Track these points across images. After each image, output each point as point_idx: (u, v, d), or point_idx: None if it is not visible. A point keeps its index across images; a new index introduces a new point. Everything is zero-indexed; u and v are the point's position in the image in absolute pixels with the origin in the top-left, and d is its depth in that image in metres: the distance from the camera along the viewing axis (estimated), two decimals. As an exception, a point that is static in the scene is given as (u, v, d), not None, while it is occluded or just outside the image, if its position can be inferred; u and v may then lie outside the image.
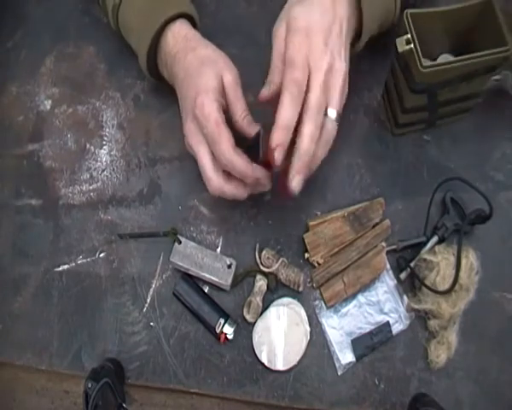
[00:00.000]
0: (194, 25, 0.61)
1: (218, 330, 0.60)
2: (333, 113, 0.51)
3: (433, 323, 0.59)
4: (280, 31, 0.52)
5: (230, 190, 0.53)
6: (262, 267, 0.62)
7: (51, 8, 0.75)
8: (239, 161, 0.50)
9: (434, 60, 0.61)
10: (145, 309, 0.64)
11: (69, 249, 0.66)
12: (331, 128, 0.52)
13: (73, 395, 0.68)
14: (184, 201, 0.66)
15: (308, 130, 0.49)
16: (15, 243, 0.67)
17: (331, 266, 0.61)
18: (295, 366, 0.60)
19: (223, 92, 0.54)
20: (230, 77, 0.54)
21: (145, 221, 0.66)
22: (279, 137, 0.48)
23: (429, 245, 0.61)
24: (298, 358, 0.60)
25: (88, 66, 0.72)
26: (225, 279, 0.61)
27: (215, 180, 0.53)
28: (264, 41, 0.69)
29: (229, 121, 0.54)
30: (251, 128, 0.54)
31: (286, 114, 0.48)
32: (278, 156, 0.49)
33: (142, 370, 0.62)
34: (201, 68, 0.54)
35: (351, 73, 0.53)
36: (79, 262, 0.66)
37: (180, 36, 0.58)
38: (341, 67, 0.51)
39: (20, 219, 0.68)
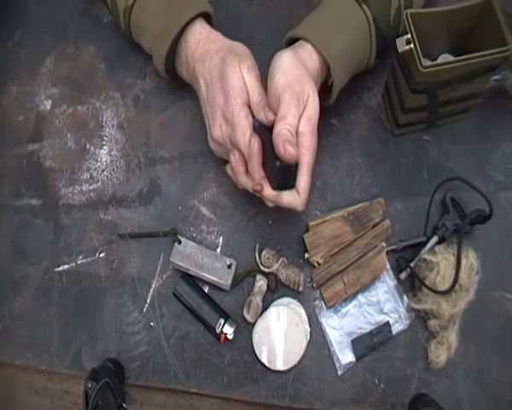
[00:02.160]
0: (211, 22, 0.61)
1: (218, 330, 0.60)
2: None
3: (433, 323, 0.59)
4: (278, 80, 0.53)
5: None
6: (262, 267, 0.62)
7: (51, 8, 0.74)
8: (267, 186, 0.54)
9: (434, 60, 0.61)
10: (145, 309, 0.64)
11: (69, 249, 0.66)
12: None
13: (73, 395, 0.68)
14: (184, 201, 0.66)
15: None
16: (15, 243, 0.67)
17: (331, 266, 0.61)
18: (295, 366, 0.60)
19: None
20: (249, 74, 0.55)
21: (145, 221, 0.66)
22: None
23: (429, 245, 0.61)
24: (298, 358, 0.60)
25: (88, 66, 0.72)
26: (225, 279, 0.61)
27: (245, 180, 0.56)
28: (264, 41, 0.69)
29: None
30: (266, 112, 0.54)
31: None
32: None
33: (142, 370, 0.62)
34: (226, 71, 0.54)
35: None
36: (79, 262, 0.66)
37: (202, 38, 0.58)
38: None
39: (20, 219, 0.68)
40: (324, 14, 0.58)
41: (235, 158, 0.54)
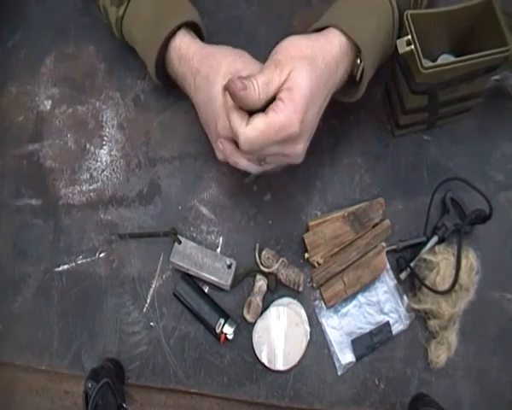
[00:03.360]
0: (199, 29, 0.61)
1: (218, 330, 0.60)
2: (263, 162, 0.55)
3: (433, 323, 0.59)
4: (281, 72, 0.50)
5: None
6: (262, 267, 0.62)
7: (51, 8, 0.74)
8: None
9: (434, 60, 0.61)
10: (145, 309, 0.64)
11: (69, 249, 0.66)
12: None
13: (73, 395, 0.68)
14: (184, 201, 0.66)
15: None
16: (15, 243, 0.67)
17: (331, 266, 0.61)
18: (295, 366, 0.60)
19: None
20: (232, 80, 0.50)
21: (145, 221, 0.66)
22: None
23: (429, 245, 0.61)
24: (298, 358, 0.60)
25: (88, 66, 0.72)
26: (225, 279, 0.61)
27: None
28: (264, 41, 0.68)
29: None
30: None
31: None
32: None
33: (142, 370, 0.62)
34: (211, 90, 0.53)
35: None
36: (79, 262, 0.66)
37: (182, 54, 0.57)
38: (300, 158, 0.54)
39: (20, 219, 0.68)
40: (349, 1, 0.56)
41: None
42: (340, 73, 0.54)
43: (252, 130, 0.48)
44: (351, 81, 0.58)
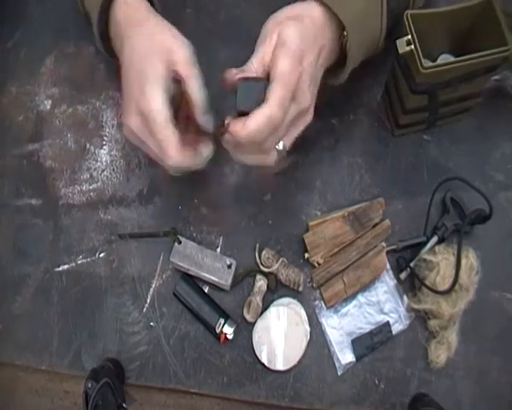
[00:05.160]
0: None
1: (218, 330, 0.60)
2: (281, 145, 0.51)
3: (433, 323, 0.59)
4: (271, 39, 0.50)
5: (189, 158, 0.51)
6: (262, 267, 0.62)
7: (51, 8, 0.74)
8: (186, 159, 0.50)
9: (434, 60, 0.61)
10: (145, 309, 0.64)
11: (69, 249, 0.66)
12: (273, 155, 0.52)
13: (73, 395, 0.68)
14: (184, 201, 0.66)
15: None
16: (15, 243, 0.67)
17: (331, 266, 0.61)
18: (295, 366, 0.60)
19: (172, 75, 0.50)
20: (181, 56, 0.49)
21: (145, 221, 0.66)
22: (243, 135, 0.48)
23: (429, 245, 0.61)
24: (298, 358, 0.60)
25: (88, 66, 0.72)
26: (225, 279, 0.61)
27: (167, 166, 0.51)
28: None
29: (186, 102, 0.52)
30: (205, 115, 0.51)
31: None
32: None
33: (142, 370, 0.62)
34: (146, 53, 0.49)
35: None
36: (79, 262, 0.66)
37: (127, 6, 0.53)
38: (310, 115, 0.52)
39: (19, 219, 0.68)
40: None
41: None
42: (326, 36, 0.52)
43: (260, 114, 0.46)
44: (338, 64, 0.56)
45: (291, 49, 0.47)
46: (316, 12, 0.51)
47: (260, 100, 0.46)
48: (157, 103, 0.48)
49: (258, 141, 0.48)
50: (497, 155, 0.65)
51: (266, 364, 0.60)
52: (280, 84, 0.47)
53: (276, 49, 0.48)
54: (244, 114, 0.47)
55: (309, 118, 0.52)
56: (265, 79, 0.48)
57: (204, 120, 0.51)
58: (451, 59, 0.53)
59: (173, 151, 0.48)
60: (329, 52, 0.53)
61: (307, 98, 0.50)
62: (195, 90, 0.49)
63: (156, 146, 0.50)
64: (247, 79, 0.48)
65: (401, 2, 0.57)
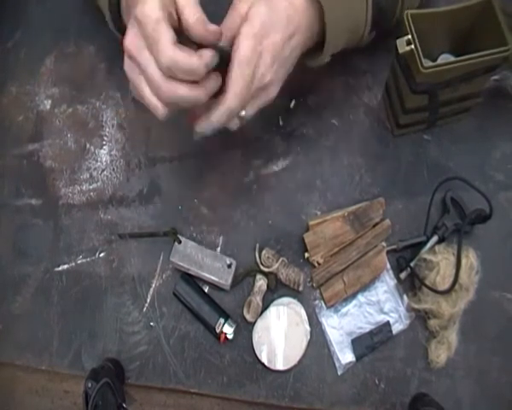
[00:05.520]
0: None
1: (218, 330, 0.60)
2: (243, 113, 0.51)
3: (433, 323, 0.59)
4: (241, 9, 0.50)
5: (186, 92, 0.46)
6: (262, 267, 0.62)
7: (51, 8, 0.75)
8: (181, 55, 0.44)
9: (434, 60, 0.61)
10: (145, 309, 0.64)
11: (69, 249, 0.66)
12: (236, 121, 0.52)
13: (73, 395, 0.68)
14: (184, 201, 0.66)
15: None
16: (15, 243, 0.67)
17: (331, 265, 0.61)
18: (295, 366, 0.60)
19: (172, 4, 0.46)
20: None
21: (145, 221, 0.66)
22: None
23: (429, 245, 0.61)
24: (298, 358, 0.60)
25: (88, 66, 0.72)
26: (225, 279, 0.61)
27: (165, 85, 0.46)
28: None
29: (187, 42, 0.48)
30: (206, 29, 0.46)
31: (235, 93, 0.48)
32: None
33: (142, 370, 0.62)
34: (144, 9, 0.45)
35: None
36: (79, 262, 0.66)
37: None
38: (273, 90, 0.52)
39: (20, 219, 0.68)
40: None
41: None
42: (305, 20, 0.52)
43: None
44: (317, 48, 0.56)
45: (254, 27, 0.48)
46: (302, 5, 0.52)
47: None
48: (150, 6, 0.44)
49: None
50: (497, 155, 0.65)
51: (266, 364, 0.60)
52: (239, 70, 0.47)
53: (242, 24, 0.48)
54: None
55: (272, 93, 0.52)
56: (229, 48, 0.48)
57: (197, 21, 0.46)
58: (451, 59, 0.53)
59: (166, 46, 0.44)
60: (307, 36, 0.53)
61: (266, 76, 0.50)
62: (191, 15, 0.46)
63: (149, 59, 0.45)
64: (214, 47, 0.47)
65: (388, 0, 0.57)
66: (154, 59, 0.45)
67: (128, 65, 0.48)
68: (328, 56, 0.57)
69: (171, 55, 0.44)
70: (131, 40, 0.47)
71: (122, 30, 0.57)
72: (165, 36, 0.44)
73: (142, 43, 0.46)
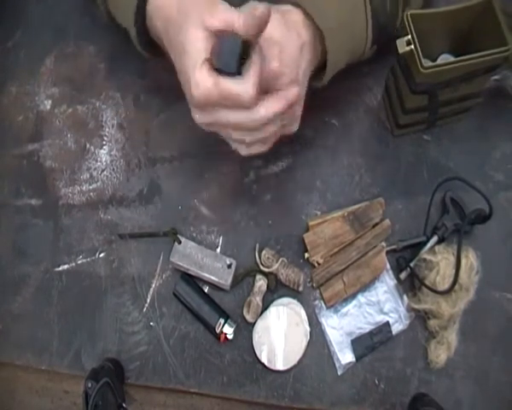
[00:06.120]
0: None
1: (218, 330, 0.60)
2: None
3: (433, 323, 0.59)
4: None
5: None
6: (262, 267, 0.62)
7: (51, 8, 0.74)
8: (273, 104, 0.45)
9: (434, 60, 0.61)
10: (145, 309, 0.64)
11: (69, 249, 0.66)
12: None
13: (73, 395, 0.68)
14: (184, 201, 0.66)
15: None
16: (15, 243, 0.67)
17: (331, 266, 0.61)
18: (295, 366, 0.60)
19: (214, 35, 0.46)
20: (215, 17, 0.45)
21: (145, 221, 0.66)
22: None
23: (429, 245, 0.61)
24: (298, 358, 0.60)
25: (88, 66, 0.72)
26: (225, 279, 0.61)
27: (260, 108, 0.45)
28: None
29: None
30: (257, 18, 0.43)
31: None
32: None
33: (142, 370, 0.62)
34: (184, 39, 0.46)
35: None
36: (79, 262, 0.66)
37: (156, 3, 0.52)
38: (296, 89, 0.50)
39: (20, 219, 0.68)
40: None
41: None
42: (307, 37, 0.52)
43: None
44: (320, 67, 0.56)
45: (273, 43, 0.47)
46: (297, 16, 0.52)
47: (235, 65, 0.44)
48: (202, 83, 0.44)
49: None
50: (497, 155, 0.65)
51: (266, 364, 0.60)
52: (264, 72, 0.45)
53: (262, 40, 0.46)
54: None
55: (294, 92, 0.47)
56: (241, 38, 0.44)
57: (245, 21, 0.44)
58: (451, 59, 0.53)
59: (246, 100, 0.44)
60: (312, 53, 0.53)
61: (295, 92, 0.47)
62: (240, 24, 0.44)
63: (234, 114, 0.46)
64: (224, 33, 0.44)
65: (386, 14, 0.57)
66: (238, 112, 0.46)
67: (202, 118, 0.49)
68: (329, 77, 0.56)
69: (253, 97, 0.44)
70: (202, 116, 0.48)
71: (147, 44, 0.58)
72: (237, 90, 0.44)
73: (213, 110, 0.47)
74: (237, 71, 0.44)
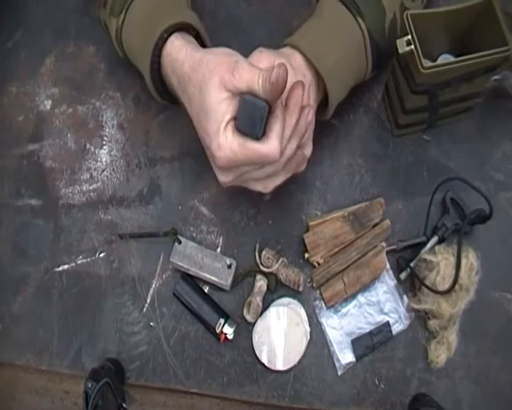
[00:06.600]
0: (199, 34, 0.57)
1: (218, 330, 0.60)
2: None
3: (433, 323, 0.59)
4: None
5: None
6: (262, 267, 0.62)
7: (51, 8, 0.74)
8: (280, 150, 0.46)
9: (434, 60, 0.61)
10: (145, 309, 0.64)
11: (69, 249, 0.66)
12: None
13: (73, 395, 0.68)
14: (184, 201, 0.66)
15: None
16: (15, 243, 0.67)
17: (331, 266, 0.61)
18: (295, 366, 0.60)
19: (237, 91, 0.47)
20: (237, 78, 0.46)
21: (145, 221, 0.66)
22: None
23: (429, 245, 0.61)
24: (298, 358, 0.60)
25: (88, 66, 0.72)
26: (225, 279, 0.61)
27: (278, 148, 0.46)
28: (264, 41, 0.68)
29: None
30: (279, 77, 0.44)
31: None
32: None
33: (142, 370, 0.62)
34: (204, 102, 0.48)
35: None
36: (79, 262, 0.66)
37: (172, 58, 0.53)
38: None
39: (20, 219, 0.68)
40: (318, 26, 0.56)
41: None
42: (309, 78, 0.53)
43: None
44: (322, 102, 0.58)
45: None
46: (299, 59, 0.53)
47: (260, 128, 0.45)
48: (225, 153, 0.46)
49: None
50: (498, 155, 0.65)
51: (266, 364, 0.60)
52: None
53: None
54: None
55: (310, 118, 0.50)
56: (266, 103, 0.45)
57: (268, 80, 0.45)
58: (451, 59, 0.53)
59: (278, 150, 0.45)
60: (315, 92, 0.55)
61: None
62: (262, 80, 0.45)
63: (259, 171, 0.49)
64: (247, 95, 0.45)
65: (385, 40, 0.57)
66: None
67: (227, 178, 0.51)
68: (332, 111, 0.57)
69: (279, 149, 0.46)
70: (227, 180, 0.51)
71: (163, 91, 0.58)
72: (264, 151, 0.45)
73: (238, 174, 0.50)
74: (262, 133, 0.45)
